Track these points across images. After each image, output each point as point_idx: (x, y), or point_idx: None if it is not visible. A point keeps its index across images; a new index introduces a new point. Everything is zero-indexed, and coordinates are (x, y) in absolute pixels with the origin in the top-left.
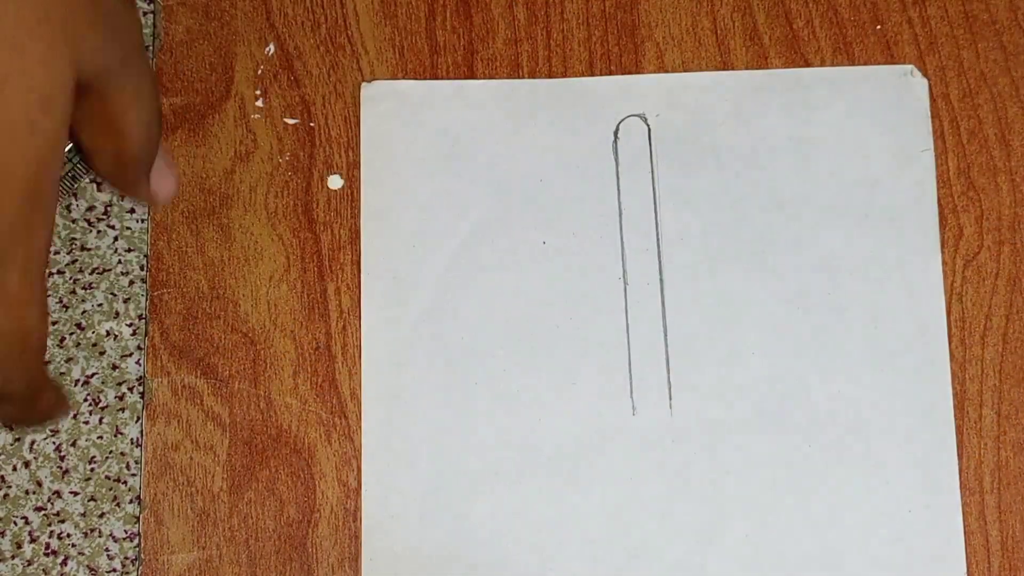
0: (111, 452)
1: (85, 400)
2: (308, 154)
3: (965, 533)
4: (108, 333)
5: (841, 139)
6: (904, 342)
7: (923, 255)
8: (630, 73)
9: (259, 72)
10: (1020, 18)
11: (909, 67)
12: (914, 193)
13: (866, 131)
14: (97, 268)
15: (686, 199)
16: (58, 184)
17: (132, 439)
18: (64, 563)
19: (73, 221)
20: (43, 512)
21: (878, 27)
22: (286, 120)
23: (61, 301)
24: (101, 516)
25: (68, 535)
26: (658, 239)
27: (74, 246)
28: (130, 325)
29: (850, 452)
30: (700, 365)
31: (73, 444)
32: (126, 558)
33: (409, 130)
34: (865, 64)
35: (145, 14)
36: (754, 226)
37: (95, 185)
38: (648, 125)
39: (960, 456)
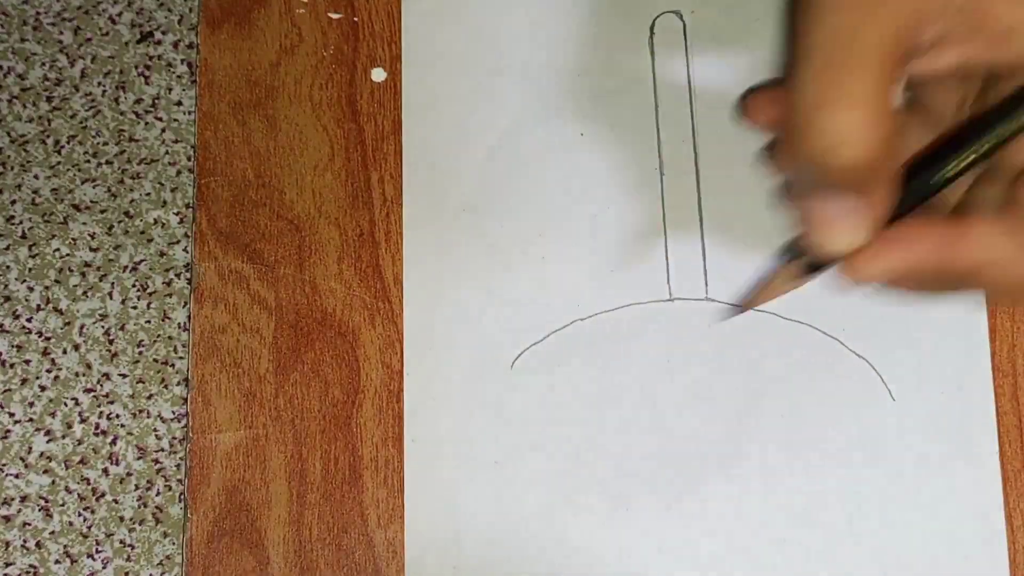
0: (159, 336)
1: (133, 286)
2: (352, 47)
3: (997, 414)
4: (156, 221)
5: None
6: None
7: None
8: None
9: None
10: None
11: None
12: None
13: None
14: (145, 159)
15: (721, 93)
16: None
17: (179, 323)
18: (113, 443)
19: (121, 114)
20: (93, 394)
21: None
22: (330, 14)
23: (110, 190)
24: (149, 398)
25: (117, 416)
26: (693, 131)
27: (122, 137)
28: (177, 214)
29: (885, 335)
30: (735, 252)
31: (122, 328)
32: (174, 438)
33: (449, 24)
34: None
35: None
36: None
37: (143, 78)
38: (683, 21)
39: (992, 339)
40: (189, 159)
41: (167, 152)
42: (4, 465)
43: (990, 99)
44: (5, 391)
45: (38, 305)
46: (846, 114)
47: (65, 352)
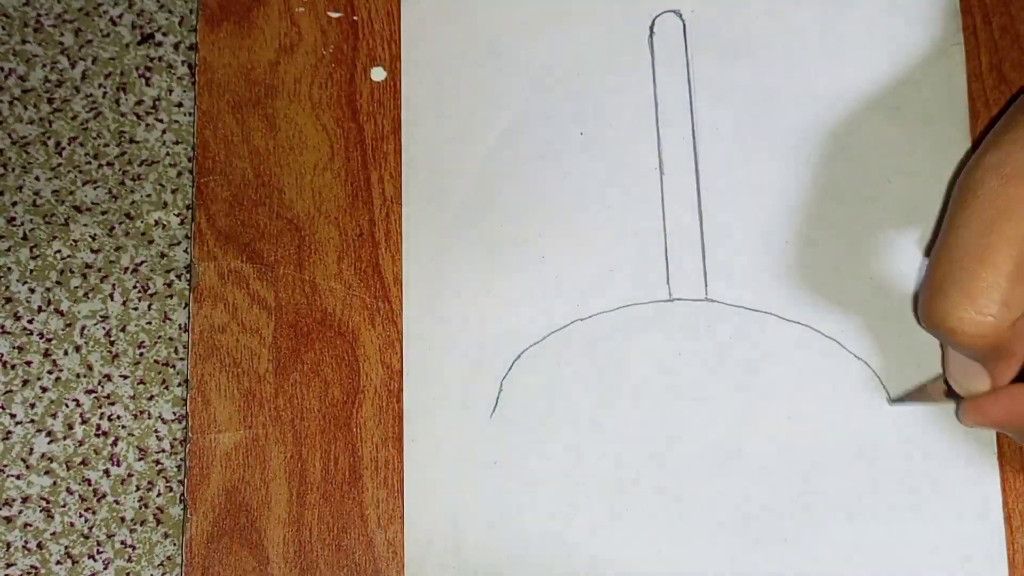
0: (160, 337)
1: (134, 287)
2: (351, 47)
3: None
4: (156, 223)
5: (873, 34)
6: (935, 231)
7: (954, 147)
8: None
9: None
10: None
11: None
12: (945, 87)
13: (898, 26)
14: (146, 160)
15: (720, 93)
16: None
17: (180, 325)
18: (114, 444)
19: (122, 115)
20: (94, 395)
21: None
22: (330, 13)
23: (111, 192)
24: (150, 399)
25: (118, 417)
26: (693, 130)
27: (123, 139)
28: (178, 215)
29: (884, 336)
30: (734, 252)
31: (123, 329)
32: (174, 439)
33: (449, 24)
34: None
35: None
36: (787, 118)
37: (143, 80)
38: (683, 20)
39: None
40: (190, 160)
41: (168, 154)
42: (5, 466)
43: None
44: (7, 392)
45: (39, 307)
46: (961, 310)
47: (66, 353)
